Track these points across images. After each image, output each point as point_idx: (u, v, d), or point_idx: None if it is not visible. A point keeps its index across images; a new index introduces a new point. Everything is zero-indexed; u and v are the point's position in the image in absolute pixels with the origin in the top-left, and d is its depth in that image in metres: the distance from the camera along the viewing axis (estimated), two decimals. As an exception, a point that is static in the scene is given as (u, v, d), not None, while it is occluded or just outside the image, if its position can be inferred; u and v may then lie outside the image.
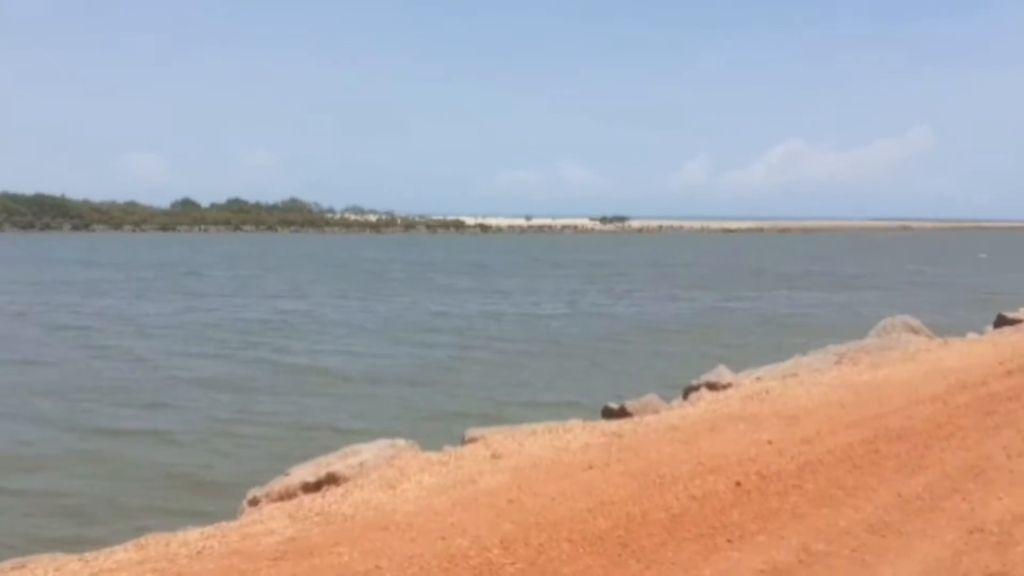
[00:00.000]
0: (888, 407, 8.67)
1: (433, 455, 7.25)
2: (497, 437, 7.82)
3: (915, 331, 13.56)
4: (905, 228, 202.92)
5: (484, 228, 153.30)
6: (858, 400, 9.02)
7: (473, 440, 7.91)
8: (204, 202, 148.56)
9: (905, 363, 11.17)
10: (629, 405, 9.24)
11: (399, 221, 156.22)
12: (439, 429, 11.46)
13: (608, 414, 9.27)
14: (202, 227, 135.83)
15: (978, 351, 12.20)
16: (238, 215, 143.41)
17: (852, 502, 5.90)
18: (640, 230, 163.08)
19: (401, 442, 7.43)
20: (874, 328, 13.86)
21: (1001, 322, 15.57)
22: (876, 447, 7.24)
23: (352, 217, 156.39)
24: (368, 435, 7.79)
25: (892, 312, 15.11)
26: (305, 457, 7.07)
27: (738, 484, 6.26)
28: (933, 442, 7.42)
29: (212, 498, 10.15)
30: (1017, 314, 15.93)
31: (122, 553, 5.14)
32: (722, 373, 10.52)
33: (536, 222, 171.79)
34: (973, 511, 5.72)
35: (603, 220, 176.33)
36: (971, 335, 14.19)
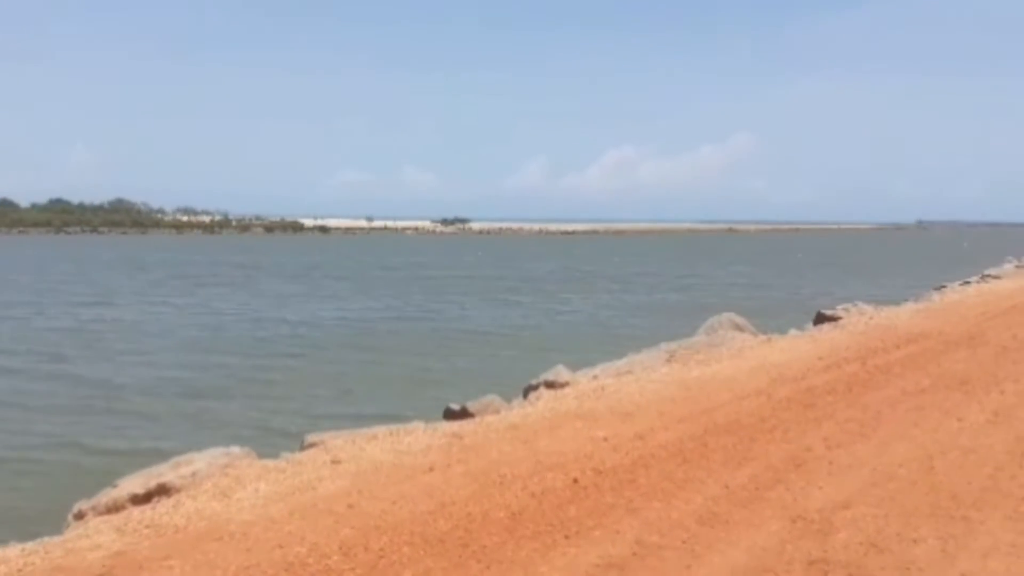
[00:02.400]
0: (716, 402, 9.05)
1: (270, 462, 7.10)
2: (337, 442, 7.72)
3: (740, 329, 14.21)
4: (731, 230, 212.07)
5: (323, 230, 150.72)
6: (688, 396, 9.37)
7: (312, 445, 7.78)
8: (24, 202, 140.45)
9: (732, 360, 11.68)
10: (471, 406, 9.29)
11: (234, 222, 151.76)
12: (271, 438, 11.13)
13: (450, 415, 9.30)
14: (20, 229, 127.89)
15: (799, 347, 12.88)
16: (60, 216, 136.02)
17: (683, 494, 6.13)
18: (481, 232, 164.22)
19: (236, 450, 7.23)
20: (703, 326, 14.45)
21: (820, 319, 16.48)
22: (705, 441, 7.55)
23: (184, 218, 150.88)
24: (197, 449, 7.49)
25: (719, 310, 15.75)
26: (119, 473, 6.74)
27: (575, 481, 6.40)
28: (758, 435, 7.79)
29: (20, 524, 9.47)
30: (835, 312, 16.90)
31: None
32: (560, 372, 10.73)
33: (377, 224, 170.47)
34: (795, 500, 6.03)
35: (444, 222, 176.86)
36: (793, 332, 14.95)
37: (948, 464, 6.89)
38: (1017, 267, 33.50)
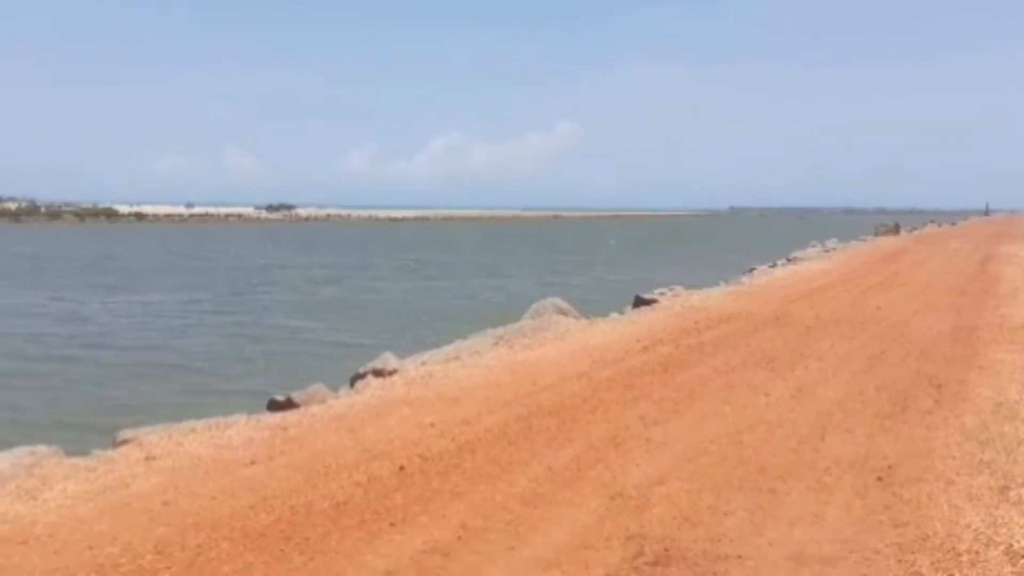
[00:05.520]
0: (540, 385, 9.25)
1: (80, 461, 6.77)
2: (152, 437, 7.43)
3: (564, 312, 14.55)
4: (556, 217, 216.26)
5: (140, 217, 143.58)
6: (514, 379, 9.53)
7: (126, 442, 7.46)
8: None
9: (556, 343, 11.95)
10: (296, 396, 9.13)
11: (43, 209, 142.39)
12: (81, 436, 10.51)
13: (274, 406, 9.10)
14: None
15: (619, 330, 13.31)
16: None
17: (507, 477, 6.23)
18: (307, 218, 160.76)
19: (43, 448, 6.85)
20: (528, 311, 14.71)
21: (639, 303, 17.09)
22: (529, 423, 7.69)
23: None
24: None
25: (543, 295, 16.07)
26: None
27: (402, 468, 6.39)
28: (580, 415, 8.01)
29: None
30: (652, 295, 17.56)
31: None
32: (388, 360, 10.69)
33: (198, 211, 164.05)
34: (614, 478, 6.23)
35: (269, 208, 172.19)
36: (614, 315, 15.44)
37: (756, 439, 7.29)
38: (821, 250, 35.71)
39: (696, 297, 17.71)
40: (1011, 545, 4.99)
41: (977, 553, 4.89)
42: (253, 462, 6.57)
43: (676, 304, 16.39)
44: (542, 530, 5.26)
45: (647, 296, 17.40)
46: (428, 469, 6.40)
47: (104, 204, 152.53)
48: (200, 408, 9.37)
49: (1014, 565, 4.76)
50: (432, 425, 7.60)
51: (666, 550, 4.94)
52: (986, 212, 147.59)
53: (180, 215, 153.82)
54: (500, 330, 12.78)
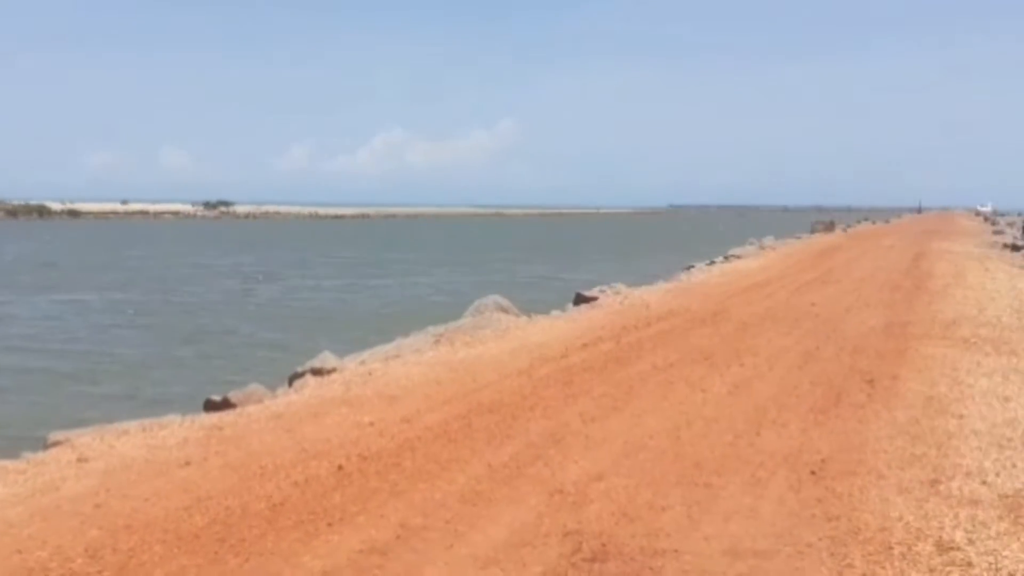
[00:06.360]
0: (481, 383, 9.24)
1: (8, 463, 6.61)
2: (84, 439, 7.28)
3: (505, 310, 14.56)
4: (498, 215, 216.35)
5: (74, 214, 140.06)
6: (454, 377, 9.51)
7: (57, 444, 7.30)
8: None
9: (496, 341, 11.95)
10: (233, 396, 9.02)
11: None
12: (8, 439, 10.25)
13: (210, 407, 8.98)
14: None
15: (559, 327, 13.37)
16: None
17: (447, 475, 6.22)
18: (246, 216, 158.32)
19: (-32, 453, 6.66)
20: (469, 309, 14.69)
21: (579, 300, 17.19)
22: (469, 421, 7.69)
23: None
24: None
25: (484, 293, 16.06)
26: None
27: (340, 467, 6.34)
28: (520, 413, 8.02)
29: None
30: (592, 293, 17.67)
31: None
32: (327, 358, 10.60)
33: (133, 208, 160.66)
34: (553, 475, 6.26)
35: (206, 205, 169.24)
36: (554, 313, 15.50)
37: (693, 434, 7.37)
38: (758, 248, 36.25)
39: (636, 294, 17.85)
40: (941, 538, 5.12)
41: (908, 546, 5.00)
42: (187, 463, 6.47)
43: (616, 302, 16.50)
44: (481, 528, 5.26)
45: (587, 294, 17.51)
46: (367, 468, 6.35)
47: (36, 201, 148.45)
48: (133, 410, 9.22)
49: (944, 557, 4.87)
50: (371, 424, 7.55)
51: (603, 546, 4.98)
52: (919, 210, 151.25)
53: (115, 212, 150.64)
54: (441, 328, 12.75)
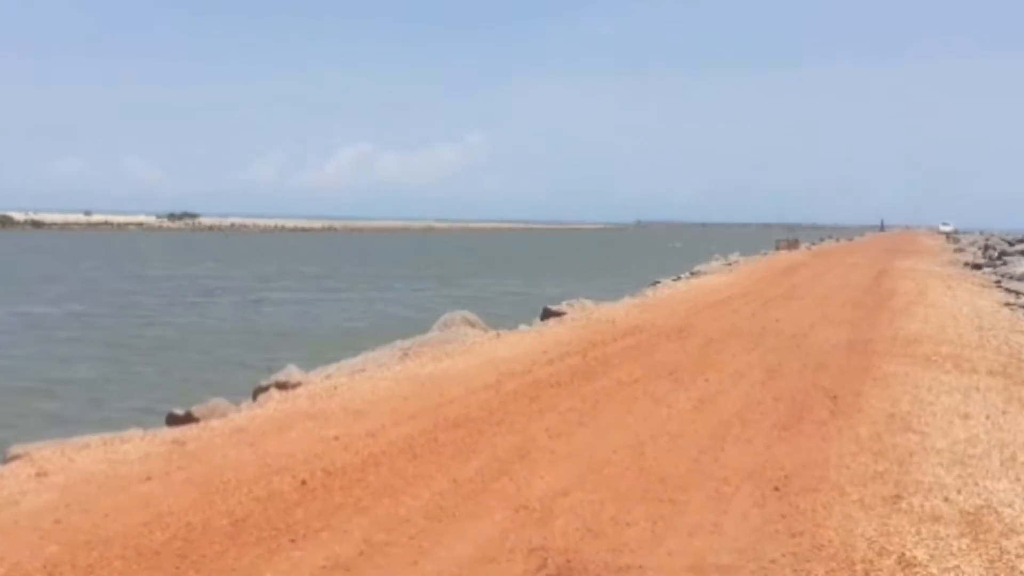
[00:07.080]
0: (447, 397, 9.21)
1: (-36, 480, 6.46)
2: (44, 453, 7.16)
3: (472, 325, 14.55)
4: (467, 229, 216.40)
5: (37, 224, 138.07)
6: (420, 392, 9.48)
7: (16, 457, 7.18)
8: None
9: (463, 355, 11.93)
10: (196, 410, 8.92)
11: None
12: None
13: (173, 421, 8.87)
14: None
15: (526, 342, 13.37)
16: None
17: (411, 490, 6.19)
18: (212, 228, 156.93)
19: (-77, 467, 6.53)
20: (436, 323, 14.67)
21: (547, 315, 17.22)
22: (435, 436, 7.66)
23: None
24: None
25: (451, 307, 16.04)
26: None
27: (304, 483, 6.29)
28: (486, 427, 8.00)
29: None
30: (560, 307, 17.70)
31: None
32: (292, 372, 10.52)
33: (97, 219, 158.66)
34: (519, 491, 6.24)
35: (171, 217, 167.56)
36: (522, 327, 15.51)
37: (658, 449, 7.39)
38: (724, 264, 36.51)
39: (602, 310, 17.90)
40: (903, 554, 5.17)
41: (871, 562, 5.04)
42: (149, 478, 6.38)
43: (583, 317, 16.54)
44: (446, 544, 5.23)
45: (555, 308, 17.53)
46: (331, 483, 6.30)
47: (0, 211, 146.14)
48: (93, 425, 9.09)
49: (906, 573, 4.92)
50: (336, 438, 7.50)
51: (568, 562, 4.97)
52: (881, 228, 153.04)
53: (78, 223, 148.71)
54: (408, 342, 12.70)
